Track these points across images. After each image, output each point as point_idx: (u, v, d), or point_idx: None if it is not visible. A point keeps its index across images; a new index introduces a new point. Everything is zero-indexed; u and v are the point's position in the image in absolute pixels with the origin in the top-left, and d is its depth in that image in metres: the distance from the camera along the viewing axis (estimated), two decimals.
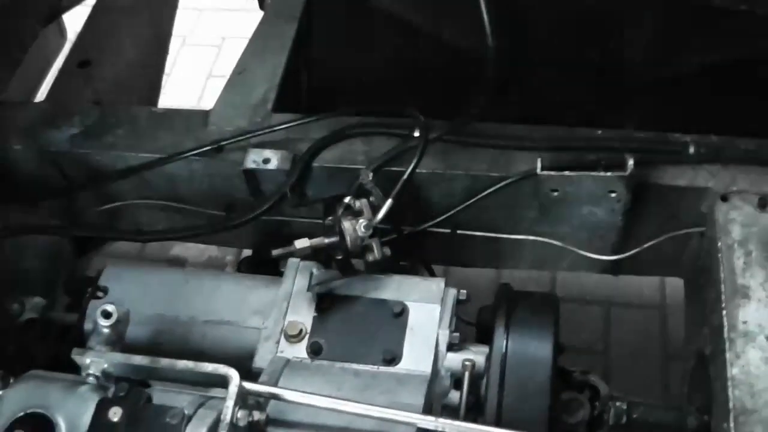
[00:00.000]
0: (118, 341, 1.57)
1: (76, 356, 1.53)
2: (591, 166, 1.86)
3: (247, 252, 2.36)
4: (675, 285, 2.23)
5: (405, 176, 1.83)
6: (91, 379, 1.52)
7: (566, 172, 1.86)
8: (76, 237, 2.28)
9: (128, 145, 2.13)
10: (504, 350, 1.72)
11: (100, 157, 2.14)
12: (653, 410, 1.86)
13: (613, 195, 1.88)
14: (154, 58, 2.70)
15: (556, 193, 1.91)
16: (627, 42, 2.05)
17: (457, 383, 1.74)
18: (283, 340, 1.77)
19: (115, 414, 1.42)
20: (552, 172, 1.86)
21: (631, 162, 1.83)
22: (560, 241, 2.06)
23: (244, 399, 1.49)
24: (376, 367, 1.73)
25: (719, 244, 1.80)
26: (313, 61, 2.29)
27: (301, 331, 1.77)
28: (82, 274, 2.11)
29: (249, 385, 1.52)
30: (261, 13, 2.48)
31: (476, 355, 1.75)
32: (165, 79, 2.88)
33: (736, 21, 1.92)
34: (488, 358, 1.73)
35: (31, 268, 2.17)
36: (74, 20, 2.74)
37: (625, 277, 2.45)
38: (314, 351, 1.75)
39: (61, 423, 1.49)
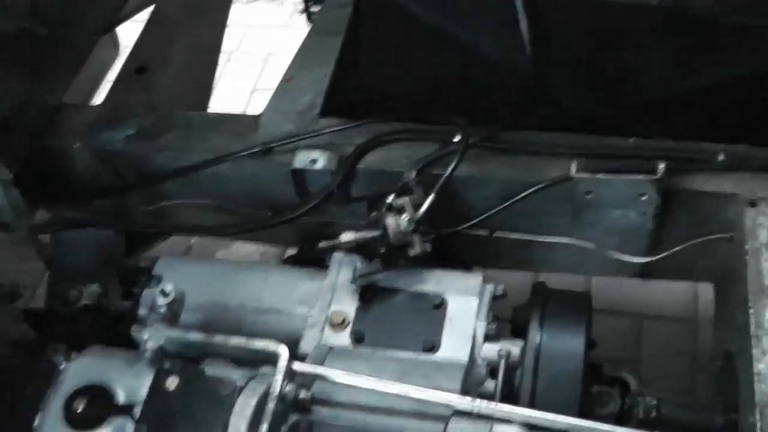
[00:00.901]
0: (174, 320, 1.66)
1: (135, 332, 1.63)
2: (623, 171, 1.94)
3: (290, 252, 2.45)
4: (707, 298, 2.28)
5: (447, 172, 1.92)
6: (148, 354, 1.62)
7: (599, 175, 1.94)
8: (127, 236, 2.38)
9: (180, 146, 2.24)
10: (538, 342, 1.80)
11: (154, 157, 2.25)
12: (682, 407, 1.92)
13: (644, 198, 1.95)
14: (204, 69, 2.81)
15: (589, 196, 1.98)
16: (648, 57, 2.13)
17: (492, 372, 1.82)
18: (327, 328, 1.86)
19: (171, 383, 1.51)
20: (586, 175, 1.94)
21: (662, 166, 1.91)
22: (592, 244, 2.12)
23: (291, 376, 1.57)
24: (415, 354, 1.81)
25: (747, 247, 1.87)
26: (358, 70, 2.39)
27: (344, 320, 1.86)
28: (136, 265, 2.21)
29: (297, 365, 1.61)
30: (305, 30, 2.57)
31: (512, 346, 1.83)
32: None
33: (752, 36, 2.00)
34: (523, 349, 1.81)
35: (86, 262, 2.27)
36: (127, 34, 2.86)
37: (657, 289, 2.53)
38: (357, 339, 1.85)
39: (120, 393, 1.59)
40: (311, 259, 2.11)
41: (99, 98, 2.81)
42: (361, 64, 2.38)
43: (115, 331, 2.01)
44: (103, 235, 2.28)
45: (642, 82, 2.16)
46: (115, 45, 2.99)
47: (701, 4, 2.02)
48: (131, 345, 1.69)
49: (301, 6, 2.69)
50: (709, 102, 2.14)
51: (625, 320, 3.07)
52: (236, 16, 3.11)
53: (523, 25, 2.04)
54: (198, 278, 1.98)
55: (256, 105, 3.89)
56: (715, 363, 2.05)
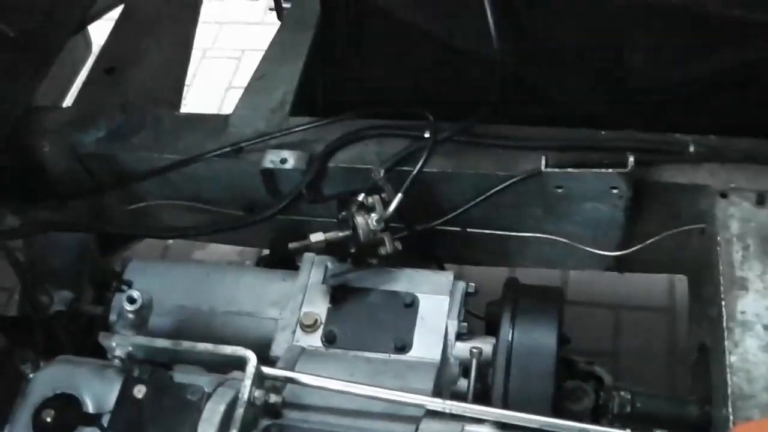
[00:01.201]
0: (142, 326, 1.65)
1: (103, 339, 1.62)
2: (594, 164, 1.93)
3: (265, 252, 2.44)
4: (684, 289, 2.28)
5: (414, 171, 1.92)
6: (116, 361, 1.61)
7: (569, 169, 1.93)
8: (102, 236, 2.36)
9: (152, 146, 2.23)
10: (510, 339, 1.79)
11: (126, 157, 2.24)
12: (656, 400, 1.91)
13: (615, 191, 1.95)
14: (177, 66, 2.79)
15: (560, 190, 1.98)
16: (630, 48, 2.12)
17: (465, 371, 1.82)
18: (298, 329, 1.86)
19: (139, 391, 1.50)
20: (556, 169, 1.94)
21: (631, 159, 1.90)
22: (566, 238, 2.12)
23: (261, 381, 1.57)
24: (387, 354, 1.81)
25: (718, 238, 1.87)
26: (329, 66, 2.38)
27: (316, 321, 1.85)
28: (108, 268, 2.20)
29: (266, 370, 1.61)
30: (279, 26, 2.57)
31: (484, 344, 1.82)
32: (186, 90, 2.96)
33: (735, 27, 1.99)
34: (495, 347, 1.80)
35: (58, 265, 2.25)
36: (99, 32, 2.84)
37: (634, 280, 2.52)
38: (328, 340, 1.84)
39: (89, 402, 1.58)
40: (285, 258, 2.10)
41: (72, 98, 2.79)
42: (331, 60, 2.36)
43: (88, 337, 2.01)
44: (77, 238, 2.26)
45: (624, 74, 2.15)
46: (87, 44, 2.97)
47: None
48: (104, 352, 1.69)
49: (272, 4, 2.67)
50: (693, 95, 2.13)
51: (603, 312, 3.07)
52: (210, 13, 3.09)
53: (490, 15, 2.02)
54: (169, 282, 1.98)
55: (231, 102, 3.83)
56: (690, 355, 2.05)
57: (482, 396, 1.77)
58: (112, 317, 1.92)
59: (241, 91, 2.37)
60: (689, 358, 2.06)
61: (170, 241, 3.28)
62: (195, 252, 3.23)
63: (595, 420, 1.87)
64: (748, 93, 2.12)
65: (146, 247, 2.78)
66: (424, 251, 2.16)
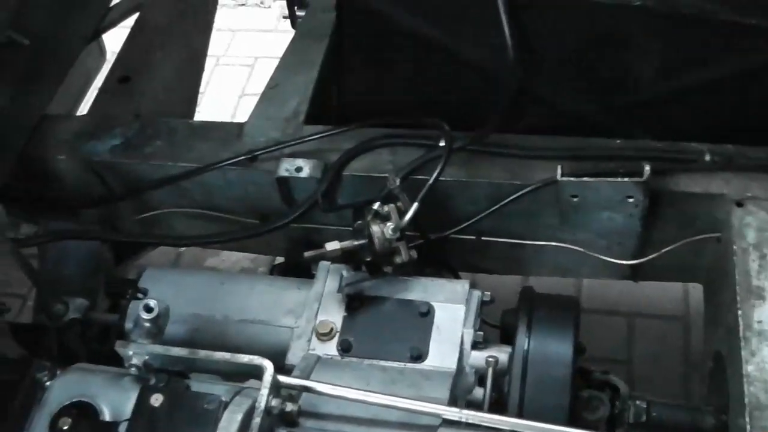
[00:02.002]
0: (159, 335, 1.65)
1: (120, 348, 1.61)
2: (609, 173, 1.93)
3: (279, 260, 2.44)
4: (698, 297, 2.28)
5: (431, 180, 1.91)
6: (133, 370, 1.61)
7: (585, 178, 1.93)
8: (116, 246, 2.37)
9: (166, 155, 2.23)
10: (526, 348, 1.79)
11: (140, 167, 2.24)
12: (672, 409, 1.91)
13: (631, 200, 1.95)
14: (190, 75, 2.80)
15: (576, 199, 1.98)
16: (637, 57, 2.12)
17: (480, 380, 1.81)
18: (314, 338, 1.85)
19: (156, 400, 1.50)
20: (572, 178, 1.94)
21: (647, 168, 1.90)
22: (581, 247, 2.12)
23: (277, 389, 1.56)
24: (403, 363, 1.80)
25: (734, 247, 1.86)
26: (343, 76, 2.38)
27: (331, 329, 1.85)
28: (122, 277, 2.20)
29: (282, 378, 1.60)
30: (292, 34, 2.57)
31: (500, 353, 1.81)
32: (199, 97, 2.98)
33: (743, 34, 1.99)
34: (511, 356, 1.80)
35: (73, 274, 2.26)
36: (114, 41, 2.85)
37: (648, 288, 2.52)
38: (344, 348, 1.83)
39: (105, 410, 1.57)
40: (299, 266, 2.10)
41: (86, 106, 2.80)
42: (345, 69, 2.36)
43: (102, 345, 2.01)
44: (91, 246, 2.27)
45: (631, 82, 2.15)
46: (101, 52, 2.98)
47: (689, 2, 2.01)
48: (118, 359, 1.69)
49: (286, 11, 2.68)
50: (700, 101, 2.13)
51: (617, 320, 3.07)
52: (223, 21, 3.10)
53: (506, 28, 2.03)
54: (184, 290, 1.97)
55: (244, 109, 3.88)
56: (705, 364, 2.04)
57: (498, 405, 1.77)
58: (128, 325, 1.92)
59: (255, 98, 2.37)
60: (704, 366, 2.05)
61: (182, 249, 3.29)
62: (208, 260, 3.24)
63: (611, 429, 1.87)
64: (755, 99, 2.11)
65: (158, 255, 2.78)
66: (439, 260, 2.16)
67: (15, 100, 2.22)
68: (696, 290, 2.93)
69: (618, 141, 2.06)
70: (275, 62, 2.44)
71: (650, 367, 2.89)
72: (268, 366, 1.54)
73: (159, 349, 1.61)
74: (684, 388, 2.81)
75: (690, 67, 2.11)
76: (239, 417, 1.49)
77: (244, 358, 1.56)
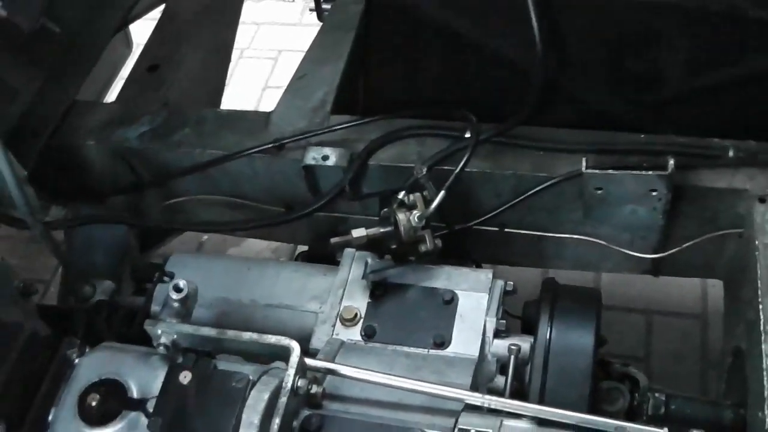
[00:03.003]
0: (187, 315, 1.68)
1: (149, 327, 1.64)
2: (633, 167, 1.95)
3: (302, 249, 2.46)
4: (716, 295, 2.29)
5: (458, 168, 1.94)
6: (161, 349, 1.63)
7: (610, 171, 1.95)
8: (141, 232, 2.40)
9: (194, 143, 2.26)
10: (548, 337, 1.81)
11: (168, 154, 2.26)
12: (691, 403, 1.92)
13: (654, 194, 1.97)
14: (217, 66, 2.83)
15: (600, 192, 1.99)
16: (666, 54, 2.13)
17: (502, 369, 1.83)
18: (338, 323, 1.88)
19: (185, 377, 1.52)
20: (596, 171, 1.95)
21: (671, 162, 1.92)
22: (603, 240, 2.14)
23: (303, 371, 1.59)
24: (426, 350, 1.83)
25: (756, 242, 1.87)
26: (370, 67, 2.40)
27: (356, 315, 1.88)
28: (149, 262, 2.23)
29: (308, 361, 1.62)
30: (316, 28, 2.58)
31: (522, 342, 1.83)
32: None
33: None
34: (532, 345, 1.82)
35: (99, 259, 2.29)
36: (140, 32, 2.88)
37: (667, 285, 2.53)
38: (368, 334, 1.86)
39: (133, 387, 1.60)
40: (323, 255, 2.13)
41: (111, 96, 2.83)
42: (372, 61, 2.39)
43: (128, 327, 2.03)
44: (117, 232, 2.30)
45: (659, 79, 2.17)
46: (127, 43, 3.01)
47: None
48: (143, 341, 1.72)
49: (312, 4, 2.70)
50: (728, 98, 2.14)
51: (636, 316, 3.08)
52: (247, 14, 3.12)
53: (535, 22, 2.05)
54: (210, 274, 2.00)
55: (267, 102, 3.91)
56: (724, 359, 2.06)
57: (518, 394, 1.79)
58: (154, 308, 1.95)
59: (278, 91, 2.39)
60: (724, 362, 2.07)
61: (205, 237, 3.32)
62: (229, 249, 3.26)
63: (630, 421, 1.88)
64: None
65: (180, 245, 2.80)
66: (461, 251, 2.18)
67: (46, 87, 2.25)
68: (714, 289, 2.95)
69: (642, 136, 2.07)
70: (299, 55, 2.46)
71: (668, 364, 2.90)
72: (295, 347, 1.56)
73: (188, 328, 1.63)
74: (701, 385, 2.82)
75: (718, 64, 2.12)
76: (266, 396, 1.51)
77: (272, 339, 1.59)
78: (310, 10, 2.77)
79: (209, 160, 2.21)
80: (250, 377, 1.54)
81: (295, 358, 1.55)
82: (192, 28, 2.78)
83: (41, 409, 1.62)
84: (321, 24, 2.60)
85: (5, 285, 1.83)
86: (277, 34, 4.48)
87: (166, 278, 1.99)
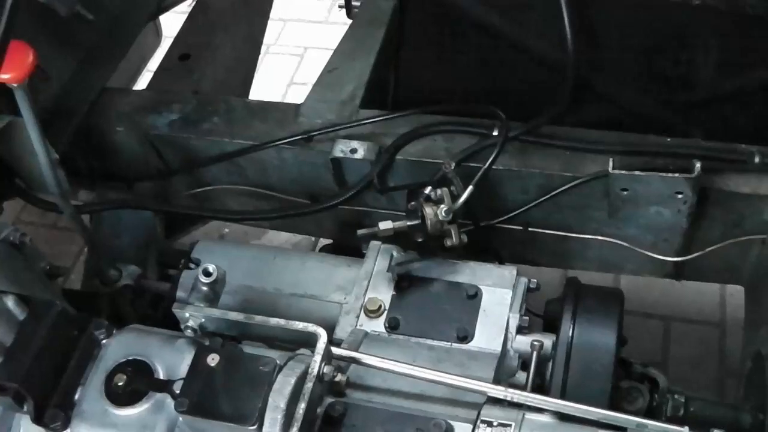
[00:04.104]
0: (215, 300, 1.69)
1: (177, 310, 1.66)
2: (660, 169, 1.96)
3: (324, 242, 2.48)
4: (735, 303, 2.30)
5: (486, 165, 1.95)
6: (188, 332, 1.65)
7: (636, 172, 1.96)
8: (167, 219, 2.42)
9: (224, 132, 2.28)
10: (570, 335, 1.82)
11: (197, 142, 2.29)
12: (710, 406, 1.93)
13: (680, 196, 1.98)
14: (248, 58, 2.85)
15: (626, 193, 2.00)
16: (698, 56, 2.14)
17: (524, 365, 1.84)
18: (362, 314, 1.89)
19: (213, 360, 1.53)
20: (623, 171, 1.96)
21: (698, 165, 1.93)
22: (627, 242, 2.15)
23: (329, 358, 1.60)
24: (449, 343, 1.84)
25: None
26: (401, 63, 2.42)
27: (380, 307, 1.89)
28: (174, 248, 2.25)
29: (333, 349, 1.64)
30: (342, 26, 2.60)
31: (544, 339, 1.84)
32: None
33: None
34: (555, 342, 1.83)
35: (125, 243, 2.31)
36: (170, 24, 2.91)
37: (685, 292, 2.54)
38: (392, 326, 1.87)
39: (160, 369, 1.61)
40: (347, 249, 2.14)
41: (140, 85, 2.85)
42: (403, 56, 2.40)
43: (153, 311, 2.06)
44: (143, 218, 2.32)
45: (691, 81, 2.18)
46: (157, 33, 3.03)
47: (754, 3, 2.03)
48: (168, 326, 1.73)
49: (341, 1, 2.71)
50: (758, 101, 2.15)
51: (654, 322, 3.09)
52: (275, 10, 3.14)
53: (567, 20, 2.06)
54: (236, 262, 2.01)
55: (292, 98, 3.91)
56: (745, 364, 2.06)
57: (539, 390, 1.79)
58: (180, 294, 1.97)
59: (303, 87, 2.42)
60: (743, 366, 2.07)
61: (226, 230, 3.34)
62: (251, 242, 3.28)
63: None
64: None
65: (202, 235, 2.82)
66: (486, 248, 2.19)
67: (78, 72, 2.27)
68: (733, 297, 2.96)
69: (669, 139, 2.08)
70: (324, 53, 2.48)
71: (685, 370, 2.90)
72: (322, 333, 1.58)
73: (216, 312, 1.65)
74: (719, 392, 2.82)
75: (750, 68, 2.13)
76: (293, 380, 1.52)
77: (299, 325, 1.60)
78: (339, 6, 2.78)
79: (237, 150, 2.23)
80: (278, 362, 1.55)
81: (322, 344, 1.56)
82: (224, 20, 2.80)
83: (68, 388, 1.63)
84: (349, 21, 2.62)
85: (34, 265, 1.86)
86: (303, 31, 4.50)
87: (192, 265, 2.01)
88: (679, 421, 1.88)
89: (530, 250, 2.26)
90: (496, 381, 1.75)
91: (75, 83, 2.26)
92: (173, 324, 1.72)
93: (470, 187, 1.89)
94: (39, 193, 2.13)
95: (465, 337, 1.84)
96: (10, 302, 1.67)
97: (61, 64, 2.22)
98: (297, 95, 2.36)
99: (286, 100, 3.99)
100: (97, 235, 2.31)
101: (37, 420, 1.59)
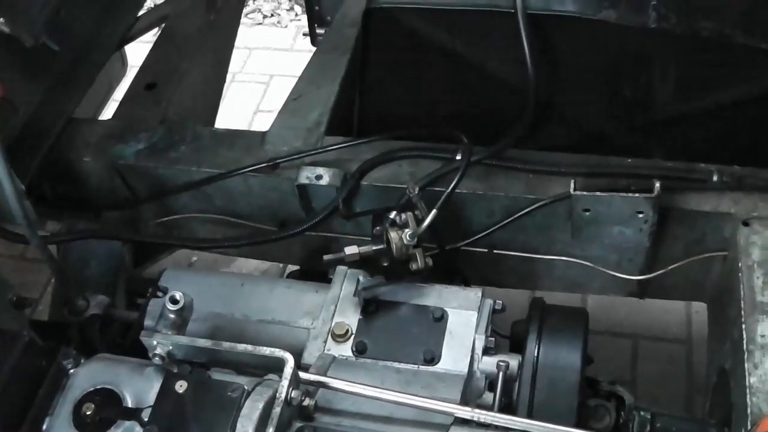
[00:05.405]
0: (183, 327, 1.70)
1: (144, 338, 1.67)
2: (621, 189, 1.99)
3: (292, 268, 2.49)
4: (700, 320, 2.32)
5: (449, 188, 1.97)
6: (156, 359, 1.66)
7: (598, 193, 1.99)
8: (135, 248, 2.42)
9: (191, 160, 2.29)
10: (536, 354, 1.84)
11: (164, 171, 2.30)
12: (676, 421, 1.95)
13: (641, 215, 2.01)
14: (214, 85, 2.87)
15: (588, 213, 2.03)
16: (656, 78, 2.18)
17: (490, 386, 1.86)
18: (330, 339, 1.90)
19: (181, 386, 1.54)
20: (585, 193, 1.99)
21: (657, 185, 1.96)
22: (591, 262, 2.17)
23: (297, 382, 1.61)
24: (416, 366, 1.85)
25: (740, 264, 1.92)
26: (365, 89, 2.44)
27: (347, 331, 1.90)
28: (142, 276, 2.25)
29: (300, 374, 1.65)
30: (307, 53, 2.62)
31: (510, 359, 1.86)
32: None
33: (759, 59, 2.06)
34: (521, 362, 1.85)
35: (94, 274, 2.31)
36: (135, 53, 2.92)
37: (652, 311, 2.57)
38: (359, 350, 1.89)
39: (128, 397, 1.61)
40: (314, 274, 2.16)
41: (106, 114, 2.86)
42: (368, 82, 2.43)
43: (121, 340, 2.06)
44: (112, 247, 2.32)
45: (649, 103, 2.22)
46: (123, 62, 3.05)
47: (708, 26, 2.07)
48: (136, 355, 1.74)
49: (305, 29, 2.74)
50: (716, 122, 2.19)
51: (622, 341, 3.12)
52: (240, 39, 3.17)
53: (526, 45, 2.10)
54: (204, 289, 2.01)
55: (258, 126, 3.95)
56: (710, 379, 2.09)
57: (507, 411, 1.81)
58: (148, 322, 1.97)
59: (269, 115, 2.43)
60: (708, 381, 2.10)
61: (194, 258, 3.34)
62: (220, 269, 3.28)
63: None
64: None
65: (172, 264, 2.83)
66: (451, 271, 2.21)
67: (44, 103, 2.28)
68: (698, 315, 3.00)
69: (630, 159, 2.12)
70: (290, 80, 2.50)
71: (653, 388, 2.93)
72: (289, 358, 1.59)
73: (184, 339, 1.66)
74: (687, 408, 2.85)
75: (707, 89, 2.17)
76: (261, 405, 1.53)
77: (266, 351, 1.61)
78: (304, 34, 2.82)
79: (205, 178, 2.25)
80: (245, 387, 1.56)
81: (289, 369, 1.57)
82: (190, 48, 2.81)
83: (36, 418, 1.63)
84: (314, 48, 2.65)
85: (1, 296, 1.86)
86: (269, 59, 4.54)
87: (159, 293, 2.01)
88: None
89: (496, 271, 2.28)
90: (464, 402, 1.77)
91: (41, 113, 2.26)
92: (142, 352, 1.73)
93: (434, 211, 1.91)
94: (5, 224, 2.13)
95: (432, 360, 1.85)
96: None
97: (27, 94, 2.23)
98: (263, 123, 2.37)
99: (252, 128, 4.00)
100: (65, 265, 2.31)
101: None
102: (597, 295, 2.37)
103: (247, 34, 4.47)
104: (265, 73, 4.46)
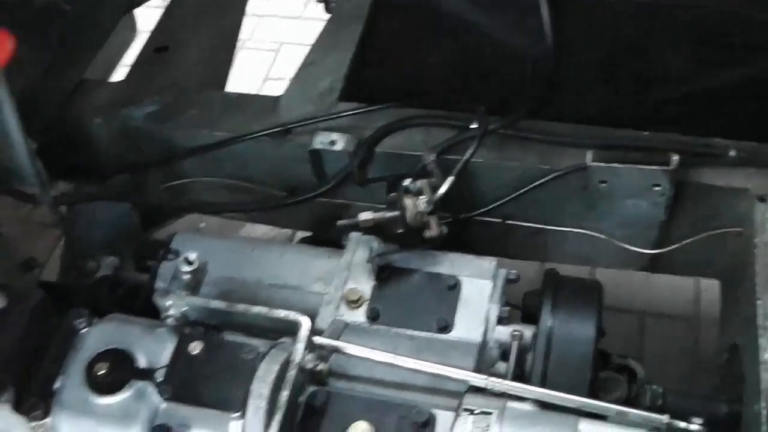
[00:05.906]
0: (196, 289, 1.69)
1: (158, 299, 1.66)
2: (638, 161, 1.97)
3: (299, 236, 2.47)
4: (709, 298, 2.32)
5: (466, 156, 1.96)
6: (169, 320, 1.65)
7: (615, 164, 1.97)
8: (143, 213, 2.40)
9: (201, 124, 2.27)
10: (550, 325, 1.83)
11: (174, 134, 2.28)
12: (687, 397, 1.95)
13: (657, 189, 1.99)
14: (225, 50, 2.84)
15: (604, 185, 2.02)
16: (669, 52, 2.17)
17: (503, 355, 1.85)
18: (343, 305, 1.89)
19: (195, 348, 1.54)
20: (601, 164, 1.98)
21: (675, 158, 1.95)
22: (604, 235, 2.16)
23: (311, 347, 1.60)
24: (429, 333, 1.84)
25: (755, 240, 1.90)
26: (378, 56, 2.42)
27: (360, 297, 1.89)
28: (153, 239, 2.24)
29: (314, 338, 1.64)
30: (317, 21, 2.60)
31: (524, 329, 1.85)
32: None
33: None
34: (535, 332, 1.84)
35: (102, 236, 2.30)
36: (145, 19, 2.90)
37: (660, 287, 2.55)
38: (372, 317, 1.87)
39: (141, 358, 1.61)
40: (326, 241, 2.14)
41: (115, 78, 2.83)
42: (381, 50, 2.41)
43: (130, 303, 2.04)
44: (121, 210, 2.31)
45: (663, 78, 2.20)
46: (133, 27, 3.02)
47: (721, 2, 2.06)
48: (146, 317, 1.73)
49: None
50: (731, 99, 2.17)
51: (629, 317, 3.11)
52: (249, 6, 3.14)
53: (546, 15, 2.08)
54: (215, 253, 1.98)
55: (267, 94, 3.92)
56: (720, 355, 2.08)
57: (519, 381, 1.80)
58: (159, 284, 1.96)
59: (278, 83, 2.42)
60: (719, 359, 2.09)
61: (202, 224, 3.33)
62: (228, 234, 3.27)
63: None
64: None
65: (184, 225, 2.81)
66: (463, 241, 2.20)
67: (54, 64, 2.26)
68: (707, 292, 2.99)
69: (646, 132, 2.10)
70: (300, 48, 2.48)
71: (659, 364, 2.91)
72: (305, 321, 1.58)
73: (198, 300, 1.65)
74: (692, 386, 2.84)
75: (720, 66, 2.15)
76: (276, 368, 1.53)
77: (282, 313, 1.61)
78: (317, 1, 2.78)
79: (215, 142, 2.23)
80: (260, 350, 1.55)
81: (304, 332, 1.57)
82: (201, 12, 2.79)
83: (48, 377, 1.63)
84: (325, 16, 2.62)
85: (8, 256, 1.85)
86: (278, 27, 4.51)
87: (171, 255, 2.00)
88: (657, 411, 1.91)
89: (508, 243, 2.27)
90: (477, 371, 1.76)
91: (50, 73, 2.24)
92: (152, 314, 1.72)
93: (451, 178, 1.89)
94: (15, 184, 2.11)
95: (445, 328, 1.84)
96: None
97: (36, 54, 2.20)
98: (272, 91, 2.35)
99: None
100: (74, 227, 2.30)
101: (17, 408, 1.58)
102: (608, 268, 2.35)
103: (256, 1, 4.44)
104: (275, 41, 4.44)
